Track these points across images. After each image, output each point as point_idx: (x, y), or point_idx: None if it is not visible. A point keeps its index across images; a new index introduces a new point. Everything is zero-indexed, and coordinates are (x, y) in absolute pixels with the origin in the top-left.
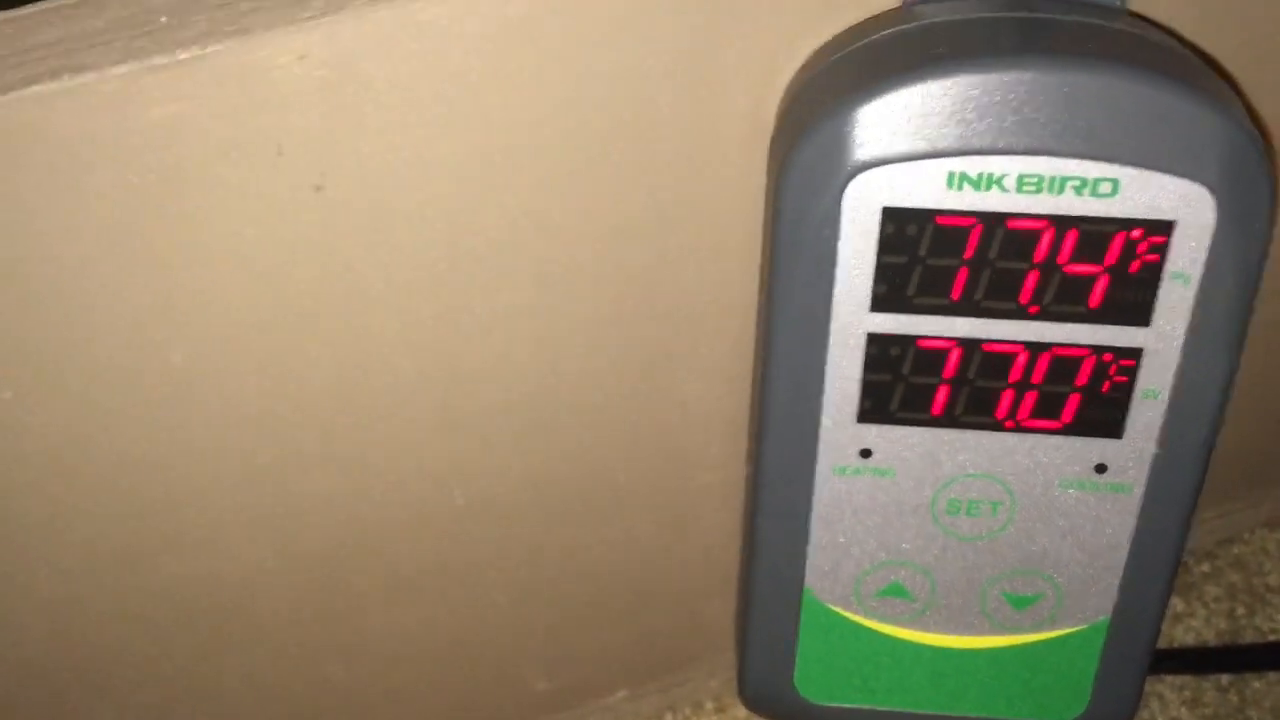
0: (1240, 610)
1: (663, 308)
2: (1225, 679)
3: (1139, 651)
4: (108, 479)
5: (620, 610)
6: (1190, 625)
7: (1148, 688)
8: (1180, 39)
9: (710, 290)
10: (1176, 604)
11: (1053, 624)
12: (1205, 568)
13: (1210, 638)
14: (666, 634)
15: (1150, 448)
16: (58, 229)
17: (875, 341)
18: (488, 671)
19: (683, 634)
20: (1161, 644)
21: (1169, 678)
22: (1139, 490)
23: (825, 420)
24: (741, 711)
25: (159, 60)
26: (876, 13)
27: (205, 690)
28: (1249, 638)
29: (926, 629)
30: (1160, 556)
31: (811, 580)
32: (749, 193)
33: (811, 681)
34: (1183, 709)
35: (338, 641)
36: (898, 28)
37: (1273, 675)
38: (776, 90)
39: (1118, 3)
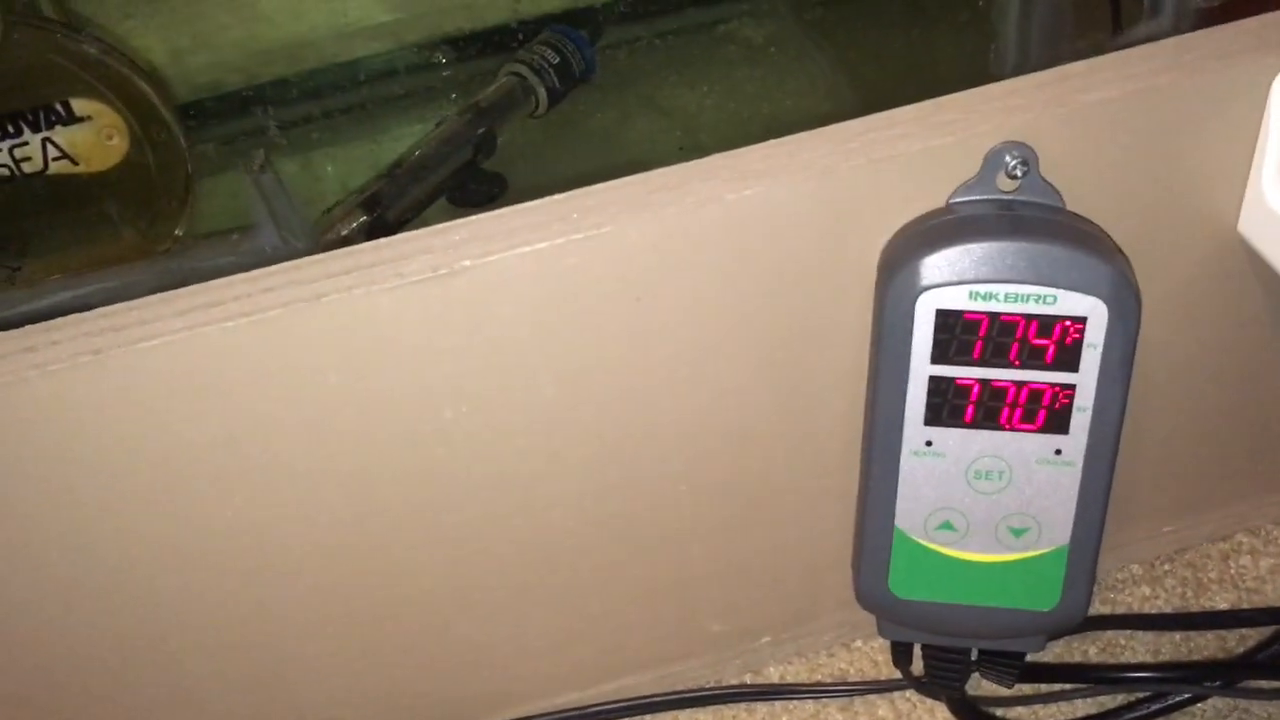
0: (1190, 594)
1: (808, 372)
2: (1179, 635)
3: (1087, 567)
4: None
5: (772, 574)
6: (1154, 603)
7: (1123, 640)
8: (1093, 223)
9: (836, 363)
10: (1145, 590)
11: (1036, 547)
12: (1167, 567)
13: (1168, 610)
14: (800, 596)
15: (1084, 439)
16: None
17: (934, 380)
18: (674, 614)
19: (810, 597)
20: (1133, 613)
21: (1140, 633)
22: (1080, 465)
23: (906, 424)
24: (845, 656)
25: (576, 236)
26: (929, 209)
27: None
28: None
29: (965, 550)
30: (1095, 505)
31: (899, 520)
32: (861, 309)
33: (900, 584)
34: (1146, 656)
35: (563, 581)
36: (943, 218)
37: (1210, 633)
38: (875, 252)
39: (1060, 204)
